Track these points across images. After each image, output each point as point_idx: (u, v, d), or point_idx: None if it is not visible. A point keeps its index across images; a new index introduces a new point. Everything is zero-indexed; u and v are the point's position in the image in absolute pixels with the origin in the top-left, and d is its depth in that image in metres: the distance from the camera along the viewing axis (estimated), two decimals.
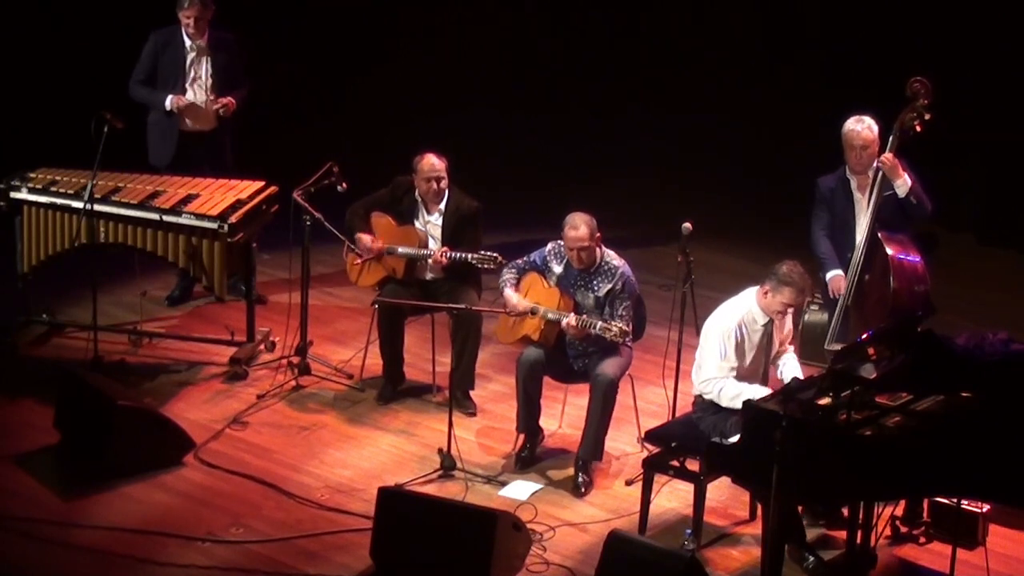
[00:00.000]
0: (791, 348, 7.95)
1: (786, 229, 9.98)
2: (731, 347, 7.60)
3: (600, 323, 7.95)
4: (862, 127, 8.52)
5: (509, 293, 8.31)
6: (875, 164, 8.56)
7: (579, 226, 8.07)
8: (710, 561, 7.39)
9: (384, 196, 9.02)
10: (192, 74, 9.72)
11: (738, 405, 7.41)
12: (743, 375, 7.63)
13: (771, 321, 7.68)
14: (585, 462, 8.11)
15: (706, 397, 7.66)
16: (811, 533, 7.56)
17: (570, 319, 7.99)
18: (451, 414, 8.17)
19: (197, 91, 9.73)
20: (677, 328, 8.09)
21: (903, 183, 8.48)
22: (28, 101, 11.66)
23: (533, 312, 8.19)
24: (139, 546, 7.44)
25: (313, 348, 9.33)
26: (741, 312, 7.66)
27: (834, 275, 8.69)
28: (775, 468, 6.53)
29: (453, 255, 8.71)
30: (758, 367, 7.72)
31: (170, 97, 9.66)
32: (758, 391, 7.48)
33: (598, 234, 8.12)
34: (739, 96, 12.68)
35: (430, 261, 8.82)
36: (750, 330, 7.65)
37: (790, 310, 7.65)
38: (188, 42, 9.70)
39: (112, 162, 8.99)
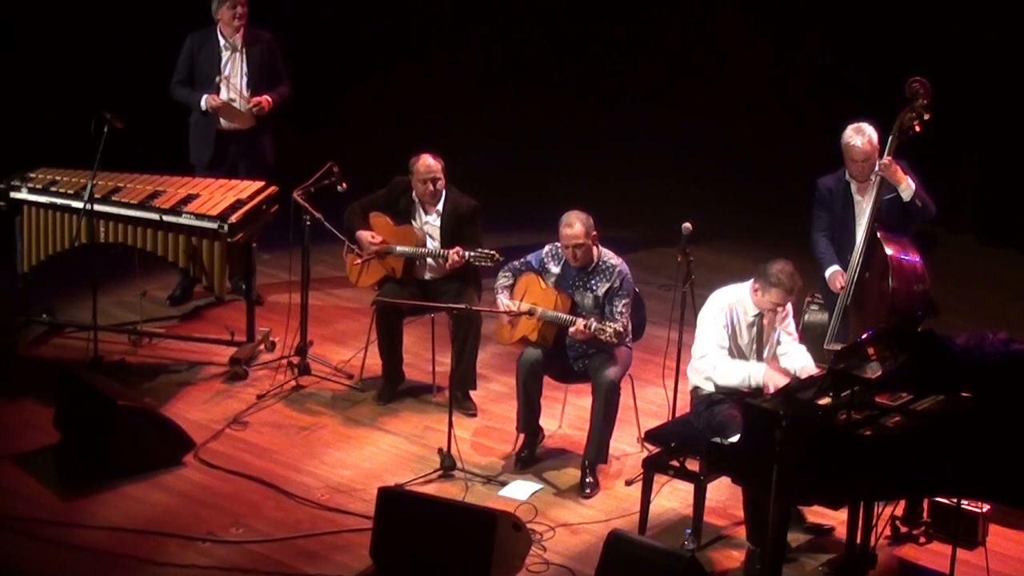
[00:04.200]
0: (795, 336, 7.91)
1: (786, 229, 9.98)
2: (720, 324, 7.62)
3: (596, 324, 7.95)
4: (863, 140, 8.43)
5: (503, 300, 8.30)
6: (876, 170, 8.55)
7: (574, 223, 8.08)
8: (710, 561, 7.39)
9: (382, 196, 9.01)
10: (227, 73, 9.72)
11: (733, 382, 7.49)
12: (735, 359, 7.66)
13: (761, 315, 7.69)
14: (591, 465, 8.12)
15: (702, 374, 7.65)
16: (811, 534, 7.60)
17: (578, 325, 7.98)
18: (451, 414, 8.17)
19: (232, 90, 9.73)
20: (677, 328, 8.09)
21: (907, 187, 8.45)
22: (28, 101, 11.65)
23: (531, 313, 8.19)
24: (139, 546, 7.45)
25: (313, 348, 9.33)
26: (733, 298, 7.69)
27: (833, 271, 8.68)
28: (775, 468, 6.54)
29: (465, 254, 8.68)
30: (750, 356, 7.71)
31: (204, 97, 9.65)
32: (753, 367, 7.52)
33: (594, 232, 8.12)
34: (739, 96, 12.68)
35: (446, 264, 8.76)
36: (740, 315, 7.66)
37: (780, 309, 7.66)
38: (223, 41, 9.70)
39: (112, 162, 8.99)
